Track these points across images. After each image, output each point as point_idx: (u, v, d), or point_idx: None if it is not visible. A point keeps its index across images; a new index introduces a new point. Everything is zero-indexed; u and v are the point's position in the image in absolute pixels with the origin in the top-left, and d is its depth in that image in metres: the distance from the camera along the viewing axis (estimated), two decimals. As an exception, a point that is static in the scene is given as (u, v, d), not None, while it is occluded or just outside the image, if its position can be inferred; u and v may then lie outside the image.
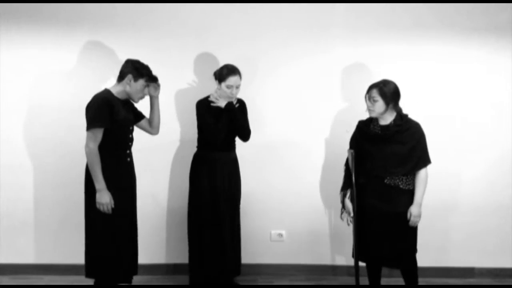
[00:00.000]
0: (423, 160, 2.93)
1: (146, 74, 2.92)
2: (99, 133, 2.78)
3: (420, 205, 2.93)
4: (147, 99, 3.11)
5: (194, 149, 3.35)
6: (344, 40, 3.63)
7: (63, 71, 3.58)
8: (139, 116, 3.12)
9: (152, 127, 3.17)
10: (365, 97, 2.96)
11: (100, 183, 2.77)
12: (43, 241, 3.66)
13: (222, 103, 3.18)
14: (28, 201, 3.63)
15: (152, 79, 2.98)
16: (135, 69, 2.89)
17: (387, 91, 2.87)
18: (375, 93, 2.89)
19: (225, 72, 3.14)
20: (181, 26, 3.59)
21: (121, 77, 2.91)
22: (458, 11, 3.60)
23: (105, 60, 3.57)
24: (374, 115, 2.94)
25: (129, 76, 2.88)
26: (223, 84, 3.15)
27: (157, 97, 3.11)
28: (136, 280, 3.12)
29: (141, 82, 2.91)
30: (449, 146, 3.67)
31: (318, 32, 3.62)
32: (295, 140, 3.69)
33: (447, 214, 3.72)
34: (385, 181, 2.92)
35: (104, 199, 2.78)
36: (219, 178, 3.24)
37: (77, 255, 3.37)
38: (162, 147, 3.62)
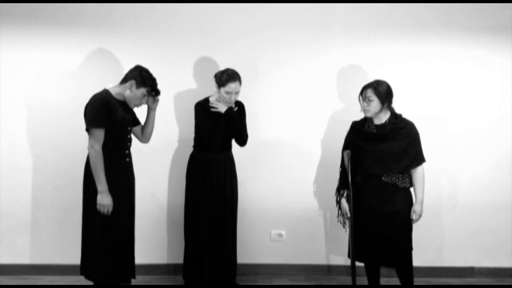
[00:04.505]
0: (418, 158, 2.97)
1: (150, 85, 2.90)
2: (101, 134, 2.78)
3: (422, 203, 2.96)
4: (143, 107, 3.07)
5: (192, 149, 3.35)
6: (343, 40, 3.63)
7: (63, 72, 3.58)
8: (135, 121, 3.10)
9: (144, 136, 3.14)
10: (359, 97, 2.99)
11: (102, 184, 2.76)
12: (43, 241, 3.65)
13: (222, 109, 3.17)
14: (28, 202, 3.63)
15: (154, 92, 2.95)
16: (141, 77, 2.87)
17: (382, 91, 2.91)
18: (370, 92, 2.92)
19: (225, 78, 3.12)
20: (181, 26, 3.60)
21: (124, 80, 2.90)
22: (458, 11, 3.61)
23: (105, 60, 3.57)
24: (369, 114, 2.96)
25: (132, 82, 2.87)
26: (223, 90, 3.14)
27: (154, 109, 3.08)
28: (136, 280, 3.11)
29: (142, 90, 2.89)
30: (449, 145, 3.68)
31: (318, 32, 3.63)
32: (295, 140, 3.69)
33: (447, 214, 3.72)
34: (383, 178, 2.94)
35: (106, 201, 2.77)
36: (215, 178, 3.24)
37: (77, 255, 3.34)
38: (162, 148, 3.61)
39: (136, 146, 3.09)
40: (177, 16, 3.59)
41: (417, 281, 3.34)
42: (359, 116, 3.11)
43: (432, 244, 3.73)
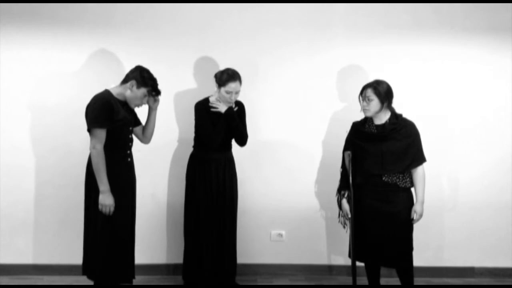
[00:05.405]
0: (419, 158, 2.97)
1: (150, 85, 2.90)
2: (102, 134, 2.78)
3: (423, 203, 2.95)
4: (144, 107, 3.07)
5: (192, 149, 3.35)
6: (343, 40, 3.63)
7: (63, 72, 3.58)
8: (136, 121, 3.10)
9: (145, 136, 3.14)
10: (359, 97, 3.00)
11: (104, 184, 2.77)
12: (43, 242, 3.66)
13: (222, 109, 3.18)
14: (28, 202, 3.63)
15: (155, 92, 2.95)
16: (141, 77, 2.87)
17: (382, 90, 2.91)
18: (370, 92, 2.92)
19: (225, 78, 3.13)
20: (180, 26, 3.60)
21: (125, 80, 2.91)
22: (458, 11, 3.61)
23: (106, 60, 3.57)
24: (369, 114, 2.97)
25: (133, 82, 2.87)
26: (223, 89, 3.14)
27: (155, 109, 3.08)
28: (136, 280, 3.11)
29: (142, 90, 2.89)
30: (449, 146, 3.68)
31: (318, 32, 3.63)
32: (295, 140, 3.70)
33: (447, 214, 3.72)
34: (383, 178, 2.94)
35: (108, 201, 2.77)
36: (215, 178, 3.24)
37: (77, 256, 3.36)
38: (162, 148, 3.61)
39: (136, 146, 3.09)
40: (177, 16, 3.59)
41: (417, 281, 3.34)
42: (359, 116, 3.11)
43: (432, 244, 3.73)
